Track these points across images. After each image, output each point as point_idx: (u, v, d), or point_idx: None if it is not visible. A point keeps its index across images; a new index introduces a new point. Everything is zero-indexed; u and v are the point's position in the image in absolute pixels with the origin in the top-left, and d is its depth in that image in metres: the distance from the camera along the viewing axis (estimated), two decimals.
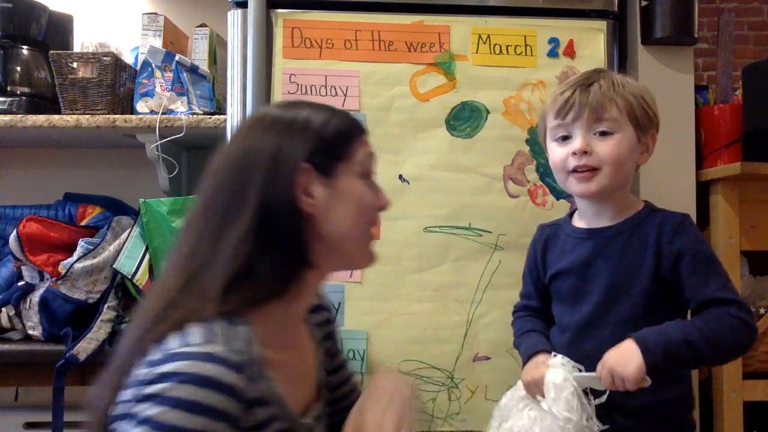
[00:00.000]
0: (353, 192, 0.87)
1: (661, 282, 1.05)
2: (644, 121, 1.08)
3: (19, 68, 1.85)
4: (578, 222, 1.16)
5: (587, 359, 1.03)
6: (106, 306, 1.56)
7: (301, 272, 0.85)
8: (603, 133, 1.06)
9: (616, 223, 1.10)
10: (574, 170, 1.07)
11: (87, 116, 1.72)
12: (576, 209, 1.18)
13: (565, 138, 1.09)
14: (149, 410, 0.68)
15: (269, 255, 0.80)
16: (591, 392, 1.02)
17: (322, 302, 1.05)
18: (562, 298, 1.14)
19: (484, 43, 1.43)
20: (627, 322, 1.04)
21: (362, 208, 0.87)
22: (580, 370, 1.04)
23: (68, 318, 1.56)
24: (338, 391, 1.04)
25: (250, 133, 0.86)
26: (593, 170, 1.06)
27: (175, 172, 1.85)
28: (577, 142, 1.06)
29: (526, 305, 1.21)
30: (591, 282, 1.09)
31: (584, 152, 1.05)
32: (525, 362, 1.12)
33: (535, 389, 1.05)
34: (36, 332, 1.58)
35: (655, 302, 1.05)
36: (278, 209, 0.81)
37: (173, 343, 0.73)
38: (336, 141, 0.86)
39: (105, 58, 1.78)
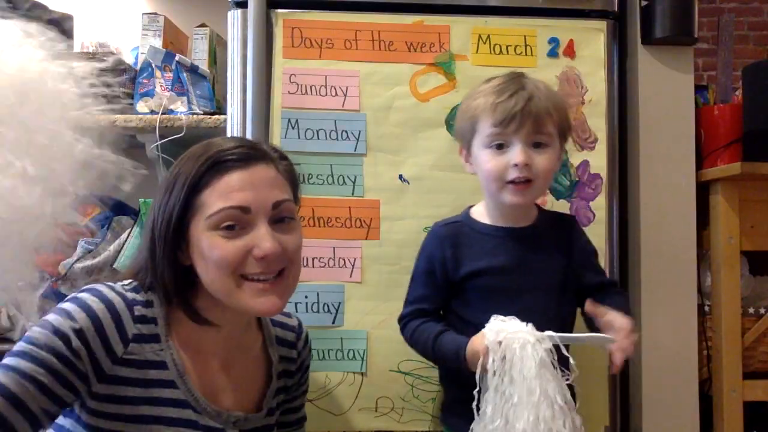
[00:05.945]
0: (203, 247, 0.88)
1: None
2: (566, 134, 1.14)
3: None
4: (494, 221, 1.16)
5: None
6: None
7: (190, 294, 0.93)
8: (537, 145, 1.08)
9: (532, 223, 1.17)
10: (512, 181, 1.08)
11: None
12: (472, 206, 1.21)
13: (501, 146, 1.08)
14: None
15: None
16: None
17: (294, 342, 1.10)
18: (487, 296, 1.11)
19: (484, 43, 1.43)
20: (571, 313, 1.17)
21: (219, 263, 0.87)
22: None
23: None
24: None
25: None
26: (528, 181, 1.08)
27: None
28: (518, 155, 1.06)
29: (419, 309, 1.16)
30: (528, 278, 1.12)
31: (525, 165, 1.06)
32: (457, 354, 1.05)
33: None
34: None
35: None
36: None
37: None
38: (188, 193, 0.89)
39: (105, 58, 1.78)
